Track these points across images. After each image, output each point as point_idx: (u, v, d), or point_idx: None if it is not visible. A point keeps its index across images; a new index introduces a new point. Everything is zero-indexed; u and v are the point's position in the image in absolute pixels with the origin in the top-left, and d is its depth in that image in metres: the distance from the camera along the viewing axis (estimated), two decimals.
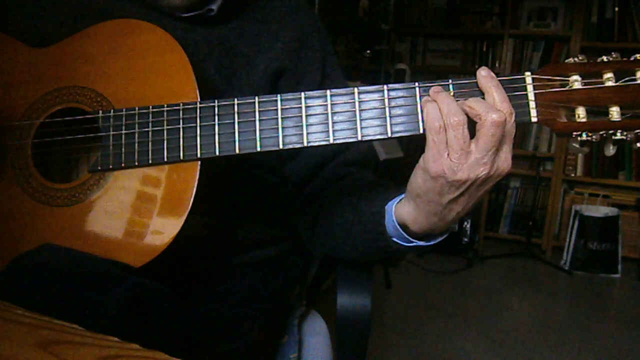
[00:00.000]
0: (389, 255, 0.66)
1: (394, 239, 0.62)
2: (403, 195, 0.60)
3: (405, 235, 0.60)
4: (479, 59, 3.37)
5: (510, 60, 3.27)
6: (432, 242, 0.61)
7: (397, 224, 0.60)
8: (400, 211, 0.60)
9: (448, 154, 0.52)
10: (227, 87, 0.72)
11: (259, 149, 0.56)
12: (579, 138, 0.53)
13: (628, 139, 0.52)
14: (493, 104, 0.52)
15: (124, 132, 0.60)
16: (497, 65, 3.28)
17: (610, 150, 0.54)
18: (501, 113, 0.50)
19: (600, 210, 2.91)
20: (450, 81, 0.54)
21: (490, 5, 3.31)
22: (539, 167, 3.08)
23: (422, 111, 0.54)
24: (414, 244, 0.61)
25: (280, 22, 0.76)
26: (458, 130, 0.51)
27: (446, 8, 3.42)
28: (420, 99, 0.55)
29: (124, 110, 0.60)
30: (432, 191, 0.54)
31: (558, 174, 3.15)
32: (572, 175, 3.13)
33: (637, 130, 0.52)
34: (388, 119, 0.54)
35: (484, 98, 0.53)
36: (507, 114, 0.51)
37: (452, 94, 0.54)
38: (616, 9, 3.00)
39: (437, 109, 0.52)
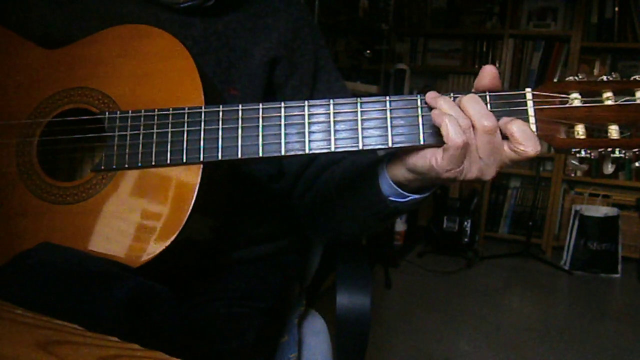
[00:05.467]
0: (388, 218, 0.68)
1: (391, 198, 0.63)
2: (390, 155, 0.62)
3: (401, 191, 0.62)
4: (479, 59, 3.37)
5: (510, 60, 3.27)
6: (428, 193, 0.63)
7: (392, 183, 0.62)
8: (396, 174, 0.61)
9: (462, 164, 0.53)
10: (226, 78, 0.74)
11: (261, 155, 0.57)
12: (577, 155, 0.54)
13: (626, 157, 0.53)
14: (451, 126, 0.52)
15: (129, 133, 0.60)
16: (497, 65, 3.27)
17: (609, 169, 0.55)
18: (493, 118, 0.51)
19: (600, 210, 2.91)
20: (451, 94, 0.54)
21: (490, 5, 3.30)
22: (539, 167, 3.08)
23: (424, 124, 0.55)
24: (409, 198, 0.62)
25: (274, 15, 0.79)
26: (482, 139, 0.52)
27: (446, 8, 3.42)
28: (421, 110, 0.55)
29: (130, 112, 0.61)
30: (437, 178, 0.56)
31: (558, 174, 3.15)
32: (572, 175, 3.13)
33: (635, 149, 0.53)
34: (389, 129, 0.55)
35: (486, 103, 0.54)
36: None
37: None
38: (616, 9, 3.00)
39: (458, 124, 0.51)
